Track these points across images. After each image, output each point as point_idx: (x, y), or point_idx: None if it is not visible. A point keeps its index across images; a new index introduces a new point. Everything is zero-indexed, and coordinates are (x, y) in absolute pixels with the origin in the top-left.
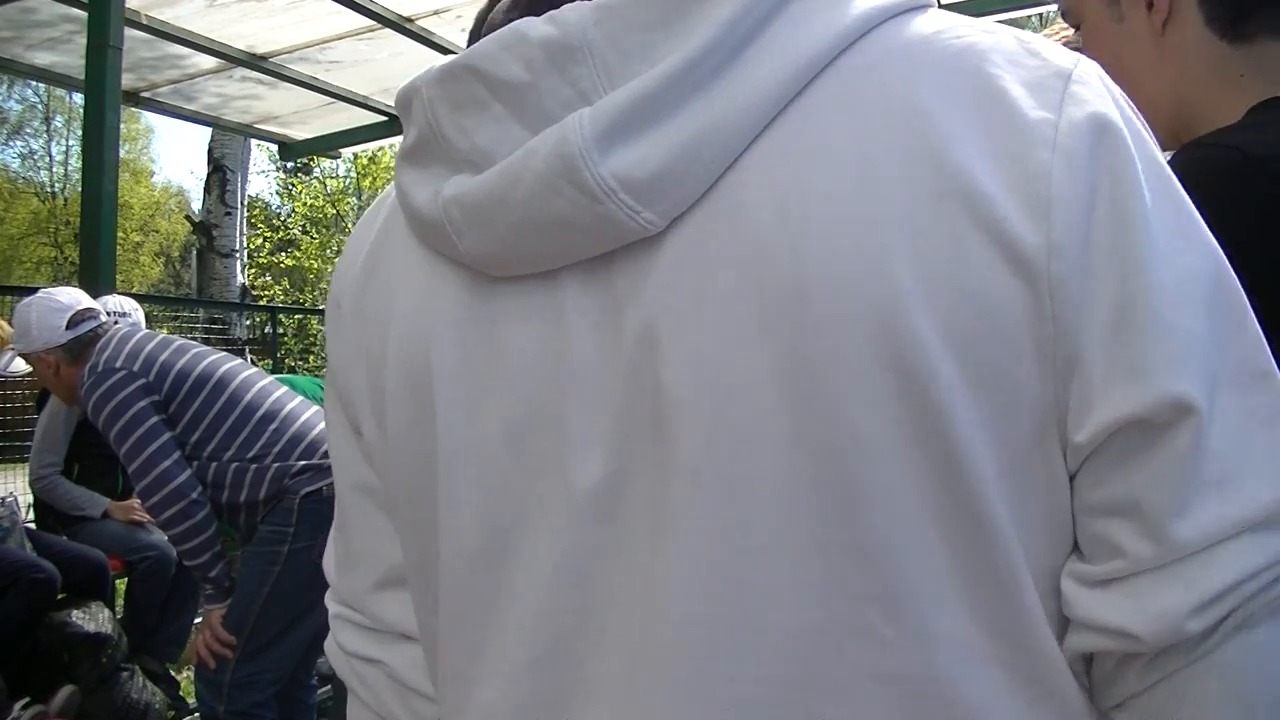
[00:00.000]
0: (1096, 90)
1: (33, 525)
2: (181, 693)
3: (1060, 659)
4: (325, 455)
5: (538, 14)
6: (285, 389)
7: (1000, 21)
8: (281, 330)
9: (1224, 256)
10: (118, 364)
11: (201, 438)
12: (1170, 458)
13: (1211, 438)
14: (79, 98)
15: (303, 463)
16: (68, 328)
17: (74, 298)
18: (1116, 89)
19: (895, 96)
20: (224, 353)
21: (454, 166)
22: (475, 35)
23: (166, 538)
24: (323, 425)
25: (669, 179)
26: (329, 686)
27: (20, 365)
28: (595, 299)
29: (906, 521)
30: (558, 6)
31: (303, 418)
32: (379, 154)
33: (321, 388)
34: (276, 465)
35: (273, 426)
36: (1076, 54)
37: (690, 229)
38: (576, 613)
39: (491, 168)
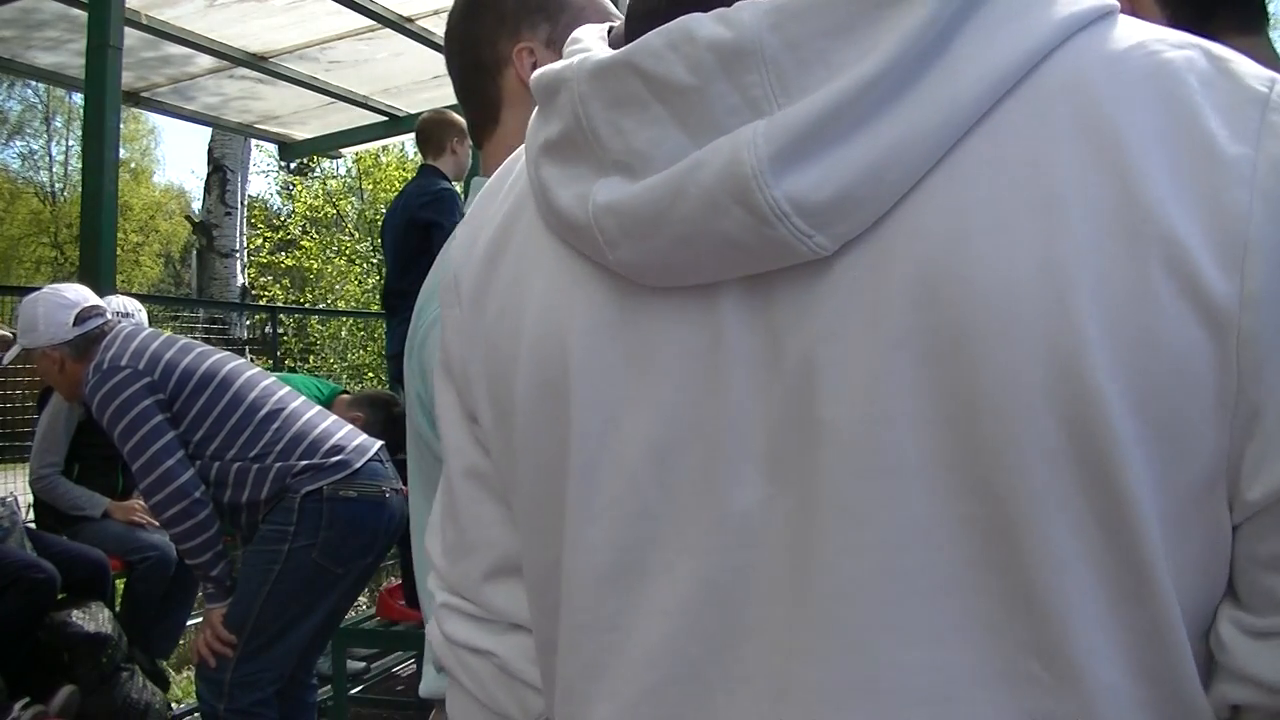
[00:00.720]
0: None
1: (33, 525)
2: (169, 694)
3: (1208, 709)
4: (327, 454)
5: (699, 6)
6: (288, 388)
7: None
8: (281, 330)
9: None
10: (123, 362)
11: (204, 436)
12: None
13: None
14: (79, 98)
15: (304, 462)
16: (74, 324)
17: (81, 294)
18: None
19: (1089, 122)
20: (227, 352)
21: (603, 168)
22: (628, 14)
23: (168, 537)
24: (325, 424)
25: (846, 204)
26: (329, 686)
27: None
28: (754, 319)
29: (1066, 570)
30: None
31: (305, 416)
32: (381, 154)
33: (317, 388)
34: (278, 465)
35: (275, 426)
36: (1272, 75)
37: (861, 255)
38: (710, 640)
39: (650, 176)
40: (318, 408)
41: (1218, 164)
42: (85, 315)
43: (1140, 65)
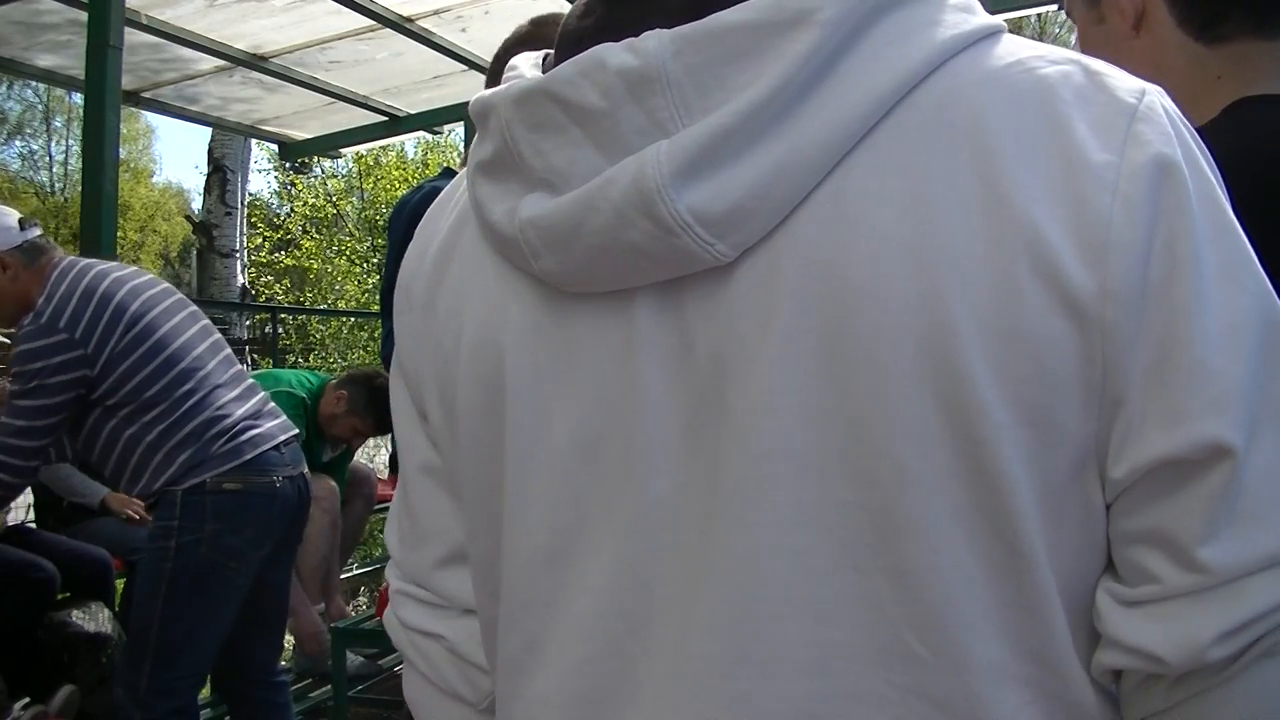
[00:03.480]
0: (1160, 128)
1: (33, 525)
2: None
3: (1085, 679)
4: (218, 444)
5: (616, 35)
6: (221, 358)
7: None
8: (282, 330)
9: (1275, 294)
10: (61, 323)
11: (121, 400)
12: (1204, 494)
13: (1247, 474)
14: (79, 98)
15: (190, 450)
16: (21, 230)
17: (14, 211)
18: (1181, 121)
19: (962, 136)
20: (173, 303)
21: (530, 184)
22: (557, 42)
23: None
24: (235, 411)
25: (742, 214)
26: (328, 686)
27: None
28: (667, 321)
29: (945, 551)
30: (634, 25)
31: (220, 402)
32: (380, 154)
33: (307, 380)
34: (176, 455)
35: (186, 407)
36: (1144, 85)
37: (759, 261)
38: (629, 617)
39: (568, 192)
40: (244, 385)
41: (1084, 170)
42: (27, 223)
43: (1016, 80)
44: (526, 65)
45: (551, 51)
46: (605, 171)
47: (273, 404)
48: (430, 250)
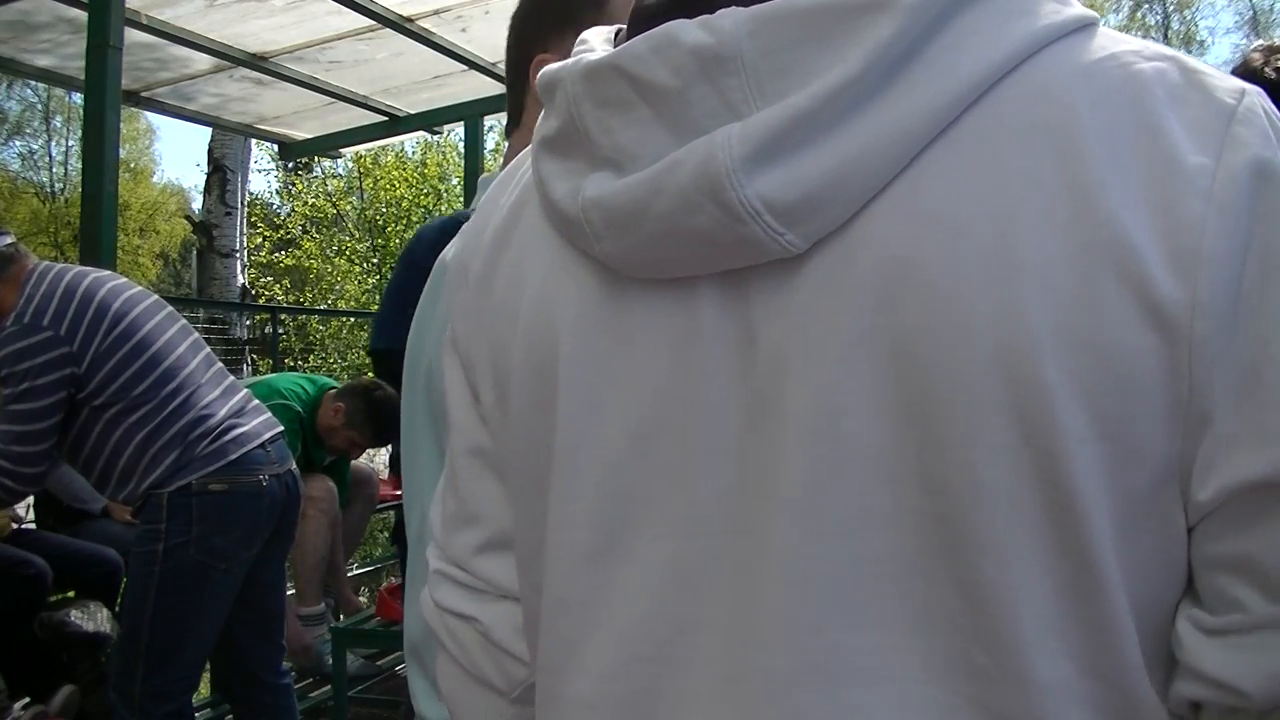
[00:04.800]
0: (1259, 130)
1: (33, 525)
2: None
3: (1158, 705)
4: (202, 444)
5: (691, 11)
6: (202, 357)
7: None
8: (282, 330)
9: None
10: (45, 321)
11: (107, 400)
12: None
13: None
14: (79, 98)
15: (176, 453)
16: None
17: None
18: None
19: (1050, 133)
20: (153, 304)
21: (595, 163)
22: (630, 17)
23: None
24: (218, 411)
25: (815, 204)
26: (329, 686)
27: None
28: (730, 313)
29: (1014, 565)
30: (709, 3)
31: (204, 401)
32: (380, 154)
33: (302, 389)
34: (163, 458)
35: (172, 407)
36: (1243, 85)
37: (830, 254)
38: (677, 621)
39: (634, 174)
40: (226, 384)
41: (1177, 174)
42: None
43: (1109, 77)
44: (598, 40)
45: (624, 26)
46: (673, 153)
47: (256, 401)
48: (489, 228)
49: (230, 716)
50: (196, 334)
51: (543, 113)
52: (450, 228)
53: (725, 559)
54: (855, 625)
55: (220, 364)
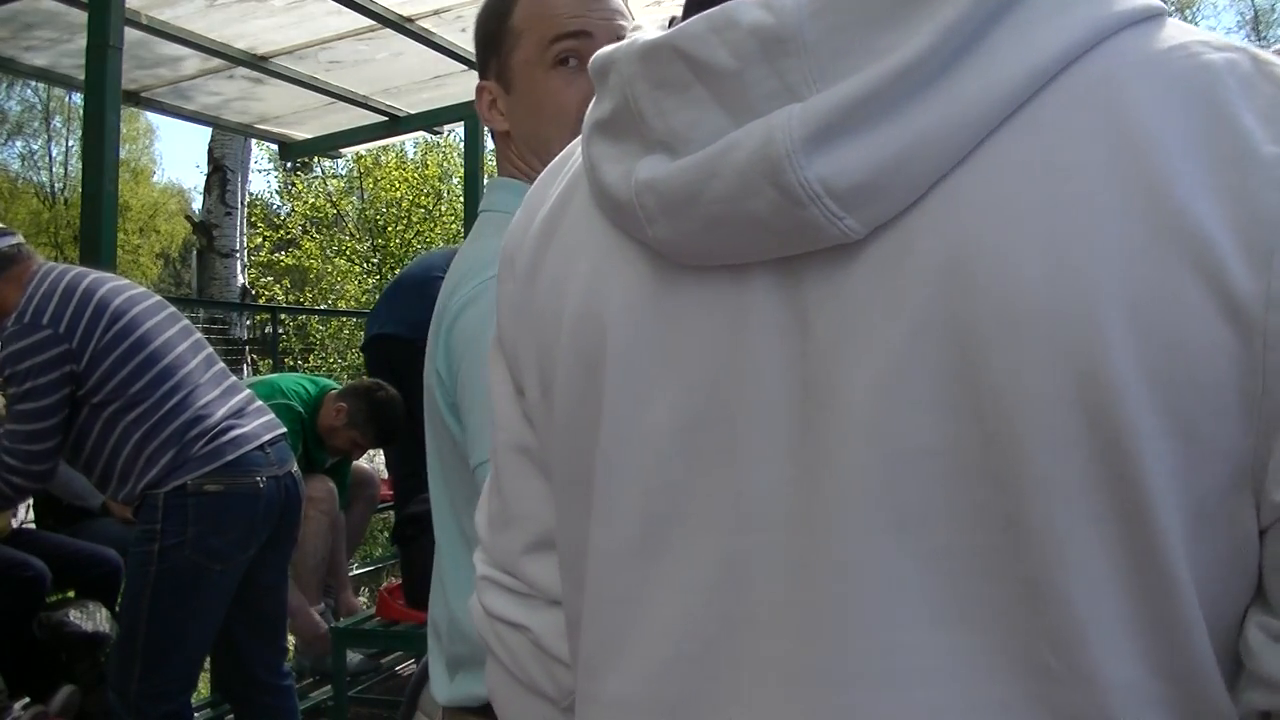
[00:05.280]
0: None
1: (33, 525)
2: None
3: (1231, 710)
4: (198, 445)
5: None
6: (203, 357)
7: None
8: (282, 330)
9: None
10: (44, 320)
11: (105, 398)
12: None
13: None
14: (79, 98)
15: (171, 452)
16: None
17: None
18: None
19: (1120, 120)
20: (153, 304)
21: (648, 146)
22: (686, 4)
23: None
24: (216, 411)
25: (876, 188)
26: (329, 686)
27: None
28: (783, 300)
29: (1081, 563)
30: None
31: (202, 401)
32: (380, 154)
33: (303, 389)
34: (159, 457)
35: (169, 405)
36: None
37: (890, 240)
38: (725, 619)
39: (688, 155)
40: (226, 384)
41: (1251, 165)
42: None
43: (1178, 66)
44: (651, 26)
45: (678, 15)
46: (729, 134)
47: (259, 403)
48: (537, 218)
49: (231, 717)
50: (199, 335)
51: (595, 97)
52: (430, 273)
53: (778, 555)
54: (917, 623)
55: (222, 365)
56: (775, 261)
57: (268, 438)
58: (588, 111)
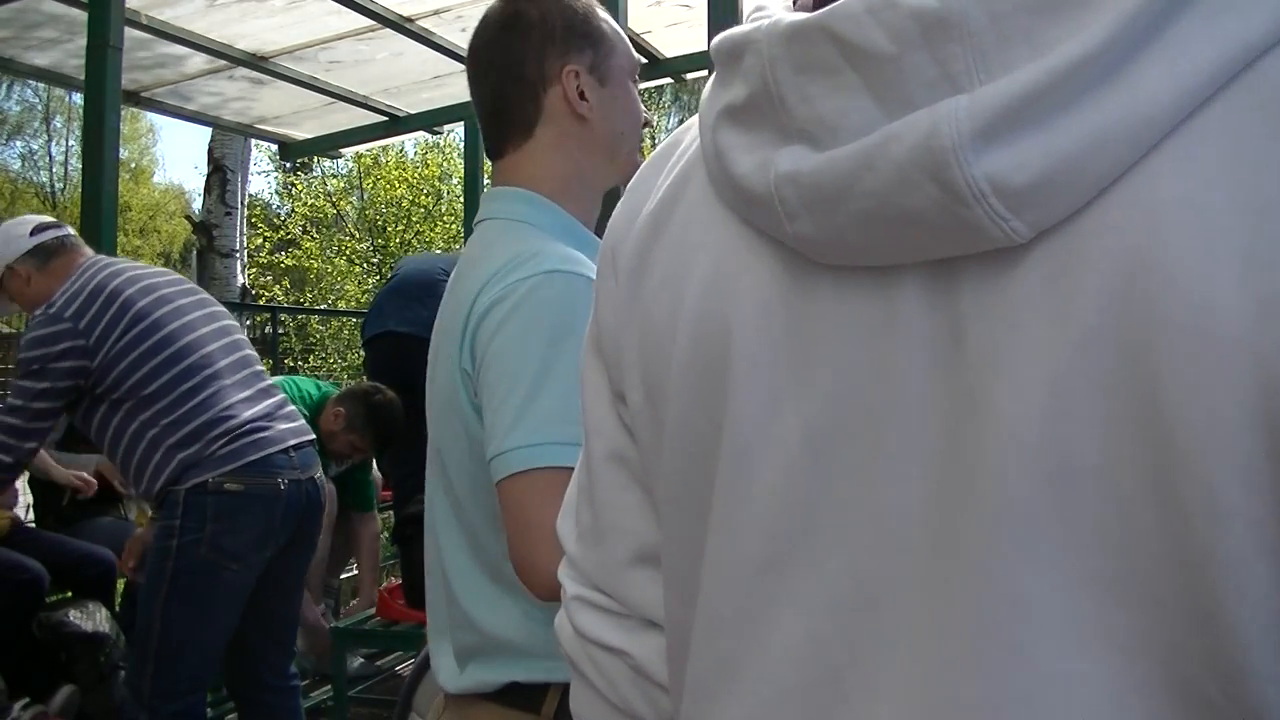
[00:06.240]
0: None
1: (33, 525)
2: None
3: None
4: (220, 444)
5: None
6: (235, 359)
7: None
8: (282, 330)
9: None
10: (68, 313)
11: (125, 394)
12: None
13: None
14: (79, 98)
15: (191, 450)
16: (31, 234)
17: (36, 217)
18: None
19: None
20: (186, 300)
21: (786, 135)
22: None
23: None
24: (244, 412)
25: (1047, 189)
26: (329, 686)
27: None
28: (936, 306)
29: (1254, 595)
30: None
31: (226, 402)
32: (380, 154)
33: (311, 390)
34: (176, 455)
35: (191, 404)
36: None
37: (1058, 245)
38: (854, 645)
39: (836, 146)
40: (258, 386)
41: None
42: (42, 227)
43: None
44: (777, 6)
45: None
46: (886, 126)
47: (291, 408)
48: (642, 213)
49: (234, 715)
50: (239, 337)
51: (714, 81)
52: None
53: (918, 575)
54: (1067, 651)
55: (258, 369)
56: (927, 264)
57: (294, 442)
58: (708, 97)
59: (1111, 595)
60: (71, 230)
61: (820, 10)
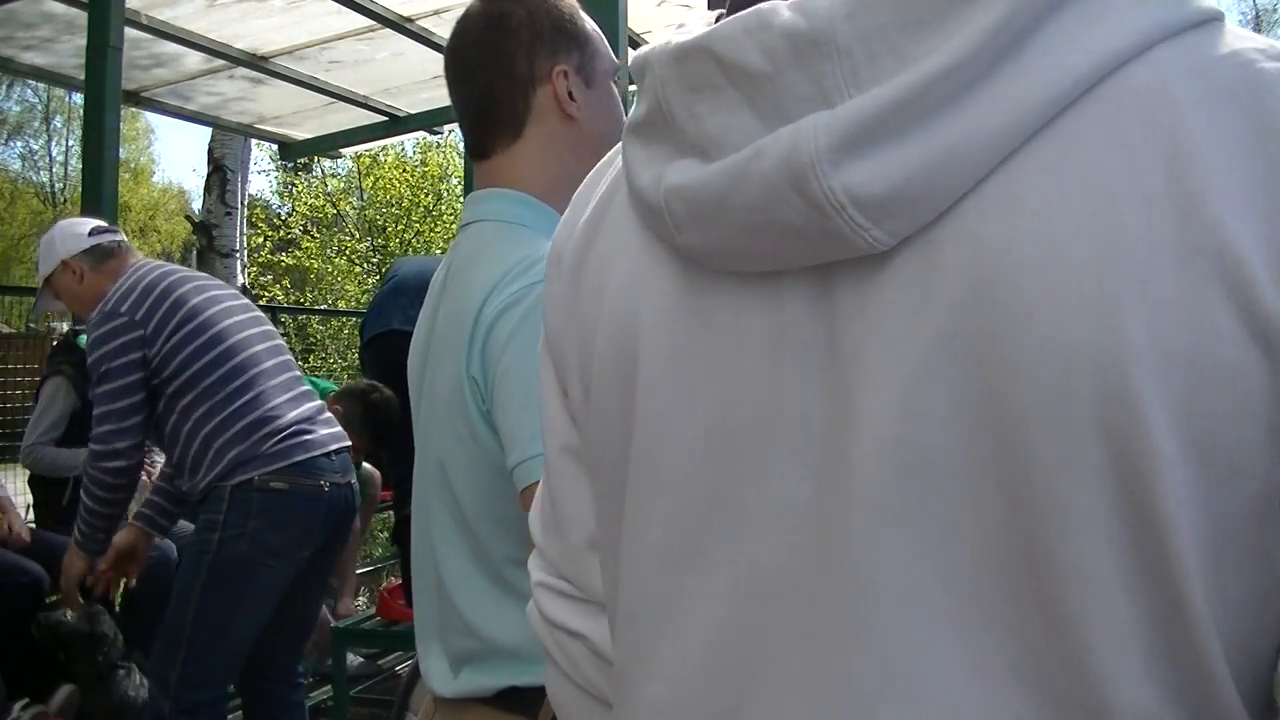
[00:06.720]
0: None
1: (33, 525)
2: None
3: None
4: (269, 443)
5: None
6: (278, 361)
7: None
8: (282, 330)
9: None
10: (123, 308)
11: (179, 389)
12: None
13: None
14: (79, 98)
15: (240, 448)
16: (90, 235)
17: (94, 220)
18: None
19: (1158, 133)
20: (232, 303)
21: (681, 149)
22: (730, 4)
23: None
24: (289, 412)
25: (902, 199)
26: (328, 686)
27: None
28: (816, 310)
29: (1097, 588)
30: None
31: (272, 403)
32: (380, 154)
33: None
34: (228, 451)
35: (240, 402)
36: None
37: (918, 252)
38: (756, 631)
39: (718, 160)
40: (300, 390)
41: None
42: (100, 230)
43: (1229, 76)
44: (698, 24)
45: (724, 10)
46: (758, 141)
47: (328, 414)
48: (582, 217)
49: (239, 712)
50: (280, 341)
51: (636, 97)
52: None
53: (808, 568)
54: (934, 641)
55: (297, 373)
56: (808, 270)
57: (334, 446)
58: (631, 111)
59: (969, 588)
60: (125, 237)
61: (703, 32)
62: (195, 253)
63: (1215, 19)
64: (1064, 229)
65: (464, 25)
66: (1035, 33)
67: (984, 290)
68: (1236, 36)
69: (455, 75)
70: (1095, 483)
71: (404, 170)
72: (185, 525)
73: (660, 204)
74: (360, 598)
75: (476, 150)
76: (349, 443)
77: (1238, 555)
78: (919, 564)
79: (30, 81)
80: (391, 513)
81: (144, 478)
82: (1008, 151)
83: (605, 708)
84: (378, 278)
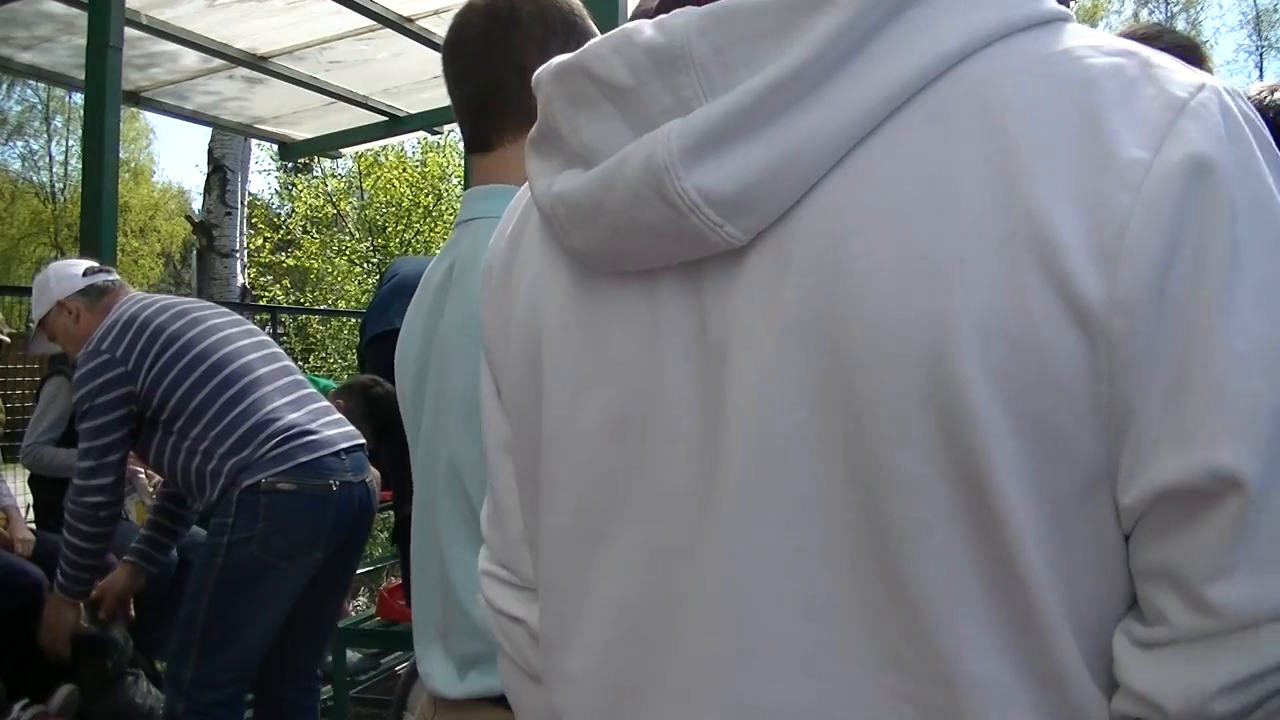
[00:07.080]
0: (1209, 125)
1: (33, 526)
2: None
3: (1100, 707)
4: (271, 445)
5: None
6: (275, 367)
7: None
8: (282, 330)
9: None
10: (105, 345)
11: (172, 414)
12: (1215, 530)
13: (1266, 512)
14: (79, 98)
15: (244, 454)
16: (84, 276)
17: (86, 261)
18: (1245, 118)
19: (986, 125)
20: (221, 319)
21: (569, 160)
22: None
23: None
24: (289, 414)
25: (751, 196)
26: (329, 686)
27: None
28: (687, 304)
29: (937, 560)
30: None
31: (271, 406)
32: (381, 154)
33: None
34: (227, 462)
35: (236, 411)
36: (1205, 80)
37: (770, 246)
38: (649, 606)
39: (594, 169)
40: (301, 393)
41: (1110, 168)
42: (93, 270)
43: (1058, 70)
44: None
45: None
46: (624, 148)
47: (337, 415)
48: (509, 226)
49: (251, 711)
50: (278, 349)
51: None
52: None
53: (686, 546)
54: (792, 616)
55: (300, 377)
56: (681, 266)
57: (345, 445)
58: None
59: (824, 564)
60: (118, 275)
61: (578, 51)
62: (195, 253)
63: (1058, 19)
64: (895, 220)
65: (466, 19)
66: (874, 39)
67: (827, 279)
68: (1076, 35)
69: (457, 67)
70: (924, 453)
71: (404, 170)
72: (197, 531)
73: (549, 210)
74: (360, 598)
75: (479, 143)
76: (362, 441)
77: (1073, 526)
78: (779, 544)
79: (30, 81)
80: (391, 513)
81: (143, 478)
82: (845, 149)
83: (543, 686)
84: (378, 278)
